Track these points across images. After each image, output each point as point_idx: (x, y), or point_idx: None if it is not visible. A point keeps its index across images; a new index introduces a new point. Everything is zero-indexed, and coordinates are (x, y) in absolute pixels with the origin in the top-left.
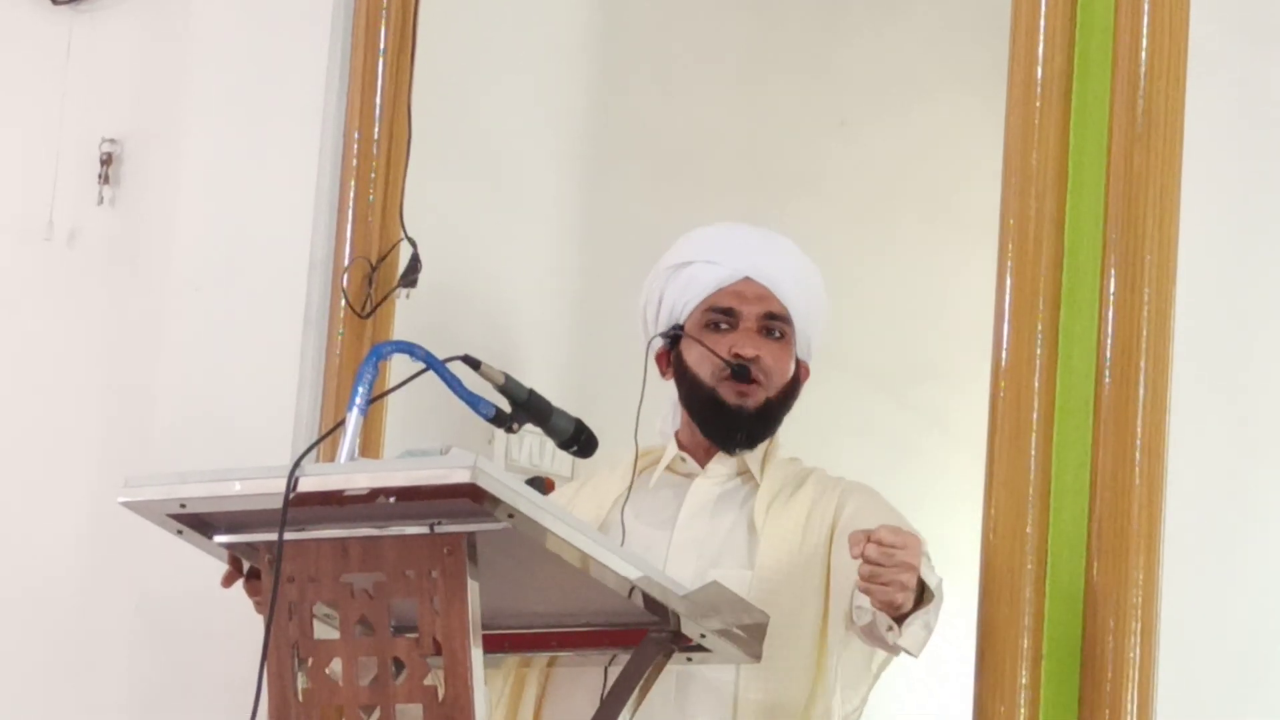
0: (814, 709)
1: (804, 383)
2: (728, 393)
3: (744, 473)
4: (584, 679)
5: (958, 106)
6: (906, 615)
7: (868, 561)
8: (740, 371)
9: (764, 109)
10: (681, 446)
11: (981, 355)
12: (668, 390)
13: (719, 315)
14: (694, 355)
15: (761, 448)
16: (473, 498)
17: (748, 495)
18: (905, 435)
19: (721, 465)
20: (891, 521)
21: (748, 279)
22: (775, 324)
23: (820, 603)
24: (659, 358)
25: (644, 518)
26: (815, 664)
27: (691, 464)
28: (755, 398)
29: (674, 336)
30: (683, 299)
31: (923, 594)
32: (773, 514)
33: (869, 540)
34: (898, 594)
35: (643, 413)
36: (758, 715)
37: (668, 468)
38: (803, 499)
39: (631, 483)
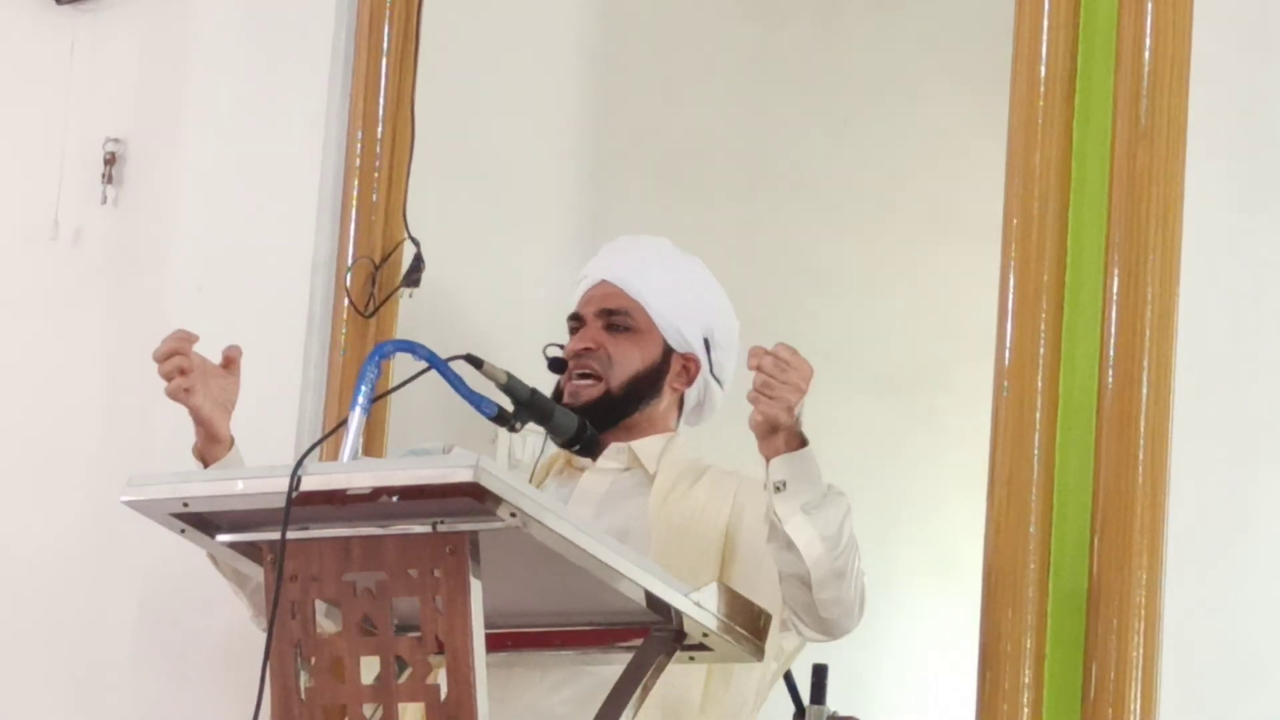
0: (711, 700)
1: (695, 374)
2: (567, 389)
3: (637, 466)
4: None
5: (959, 107)
6: (782, 454)
7: (761, 372)
8: (552, 364)
9: (764, 111)
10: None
11: (983, 356)
12: None
13: (571, 320)
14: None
15: (659, 441)
16: (475, 496)
17: (639, 486)
18: (905, 437)
19: (610, 460)
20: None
21: (603, 282)
22: (617, 318)
23: None
24: None
25: None
26: None
27: (583, 459)
28: (588, 393)
29: (556, 345)
30: (567, 313)
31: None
32: (667, 508)
33: (766, 354)
34: (781, 411)
35: None
36: (654, 706)
37: (566, 463)
38: (698, 493)
39: (530, 477)
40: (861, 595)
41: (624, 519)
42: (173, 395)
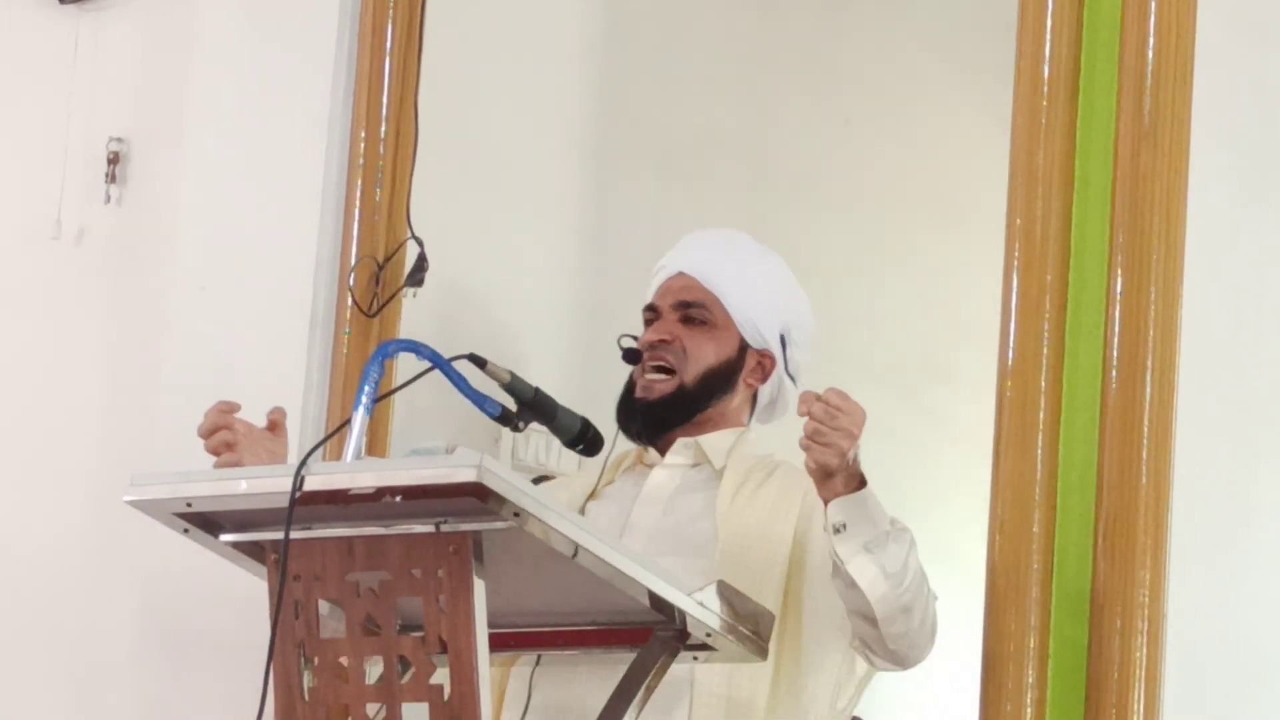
0: (779, 707)
1: (770, 371)
2: (640, 383)
3: (704, 462)
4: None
5: (963, 105)
6: (840, 497)
7: (813, 419)
8: (627, 355)
9: (768, 108)
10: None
11: (987, 354)
12: None
13: (646, 311)
14: None
15: (728, 436)
16: (479, 496)
17: (707, 483)
18: (910, 435)
19: (678, 455)
20: None
21: (680, 274)
22: (694, 311)
23: (778, 599)
24: None
25: (605, 509)
26: (774, 660)
27: (653, 454)
28: (660, 388)
29: (630, 336)
30: (643, 303)
31: (862, 488)
32: (736, 506)
33: (817, 399)
34: (833, 458)
35: None
36: (717, 708)
37: (637, 459)
38: (768, 492)
39: (600, 475)
40: (932, 626)
41: (691, 517)
42: (222, 468)
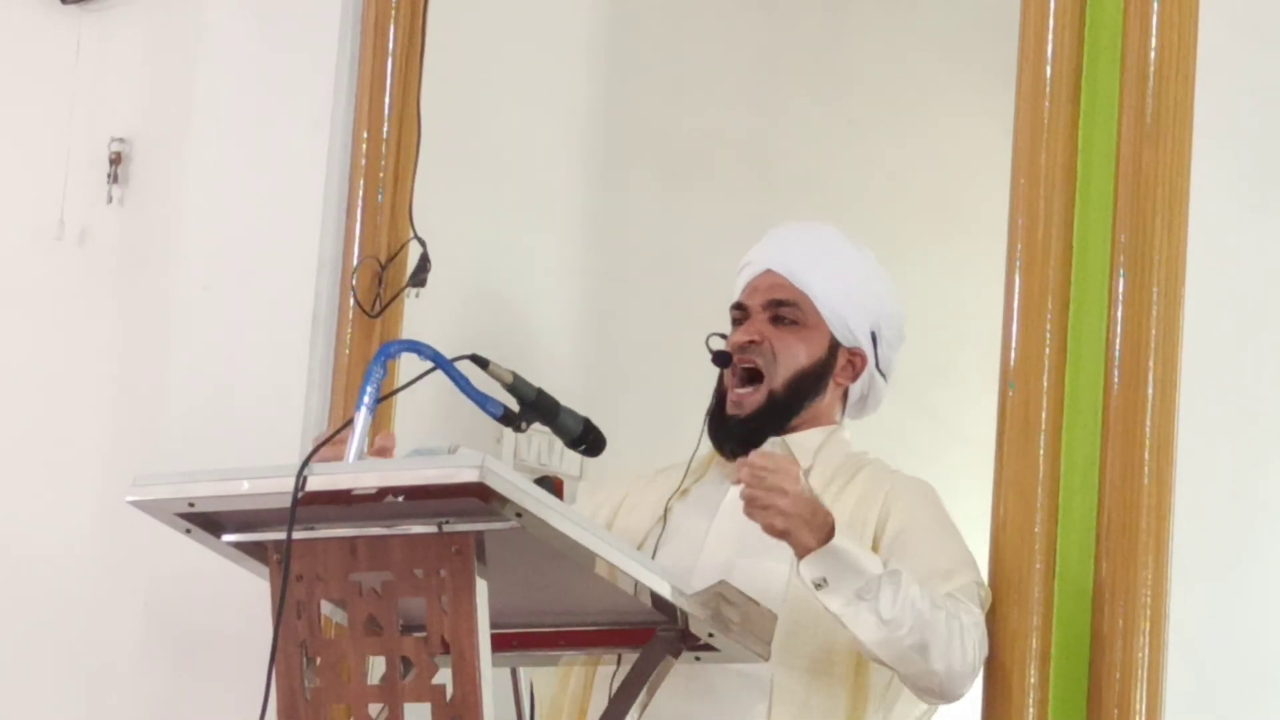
0: (859, 713)
1: (861, 369)
2: (730, 398)
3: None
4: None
5: (966, 106)
6: (812, 552)
7: (747, 485)
8: (717, 358)
9: (772, 110)
10: None
11: (990, 356)
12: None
13: (734, 310)
14: None
15: (818, 435)
16: (481, 497)
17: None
18: (914, 436)
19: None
20: (936, 532)
21: (768, 271)
22: (784, 310)
23: None
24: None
25: (691, 509)
26: (854, 666)
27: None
28: (751, 401)
29: (719, 336)
30: (731, 302)
31: (830, 539)
32: None
33: (742, 466)
34: (776, 519)
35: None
36: (795, 713)
37: (719, 460)
38: (853, 492)
39: (685, 473)
40: (969, 661)
41: None
42: None
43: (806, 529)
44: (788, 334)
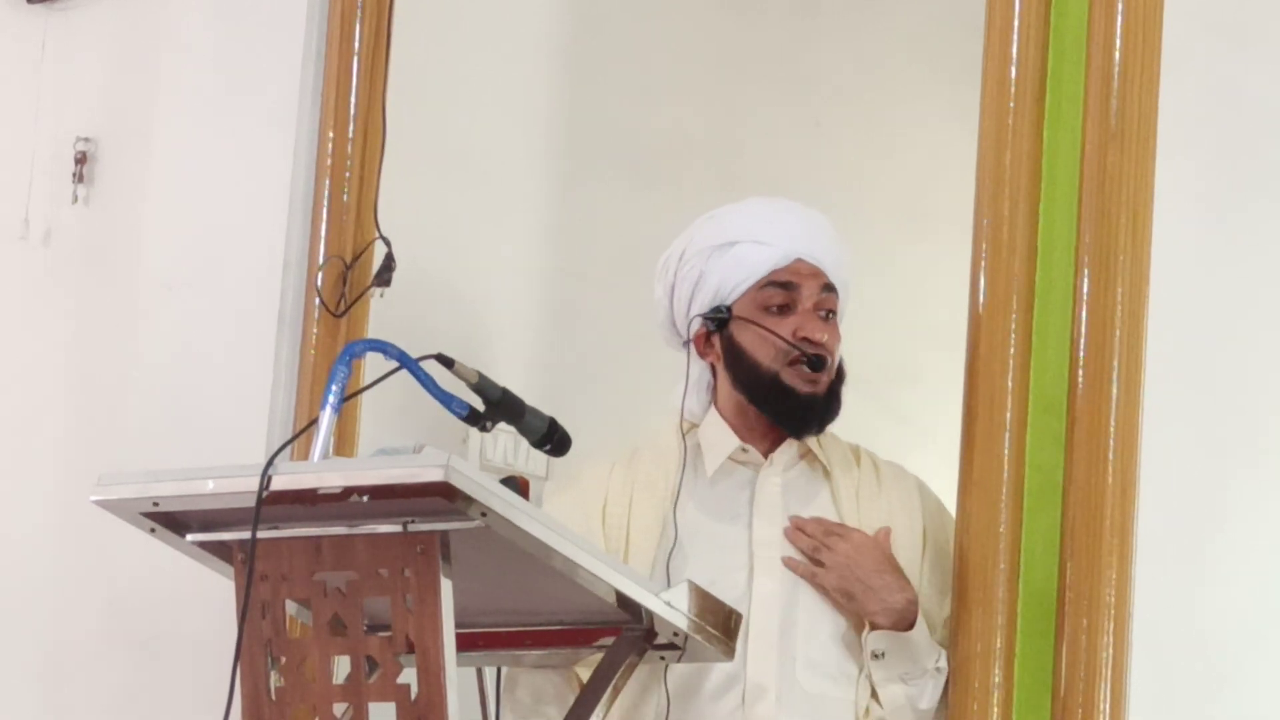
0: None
1: None
2: (793, 379)
3: (805, 455)
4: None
5: (931, 107)
6: (881, 630)
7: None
8: (816, 362)
9: (738, 110)
10: (736, 434)
11: (956, 356)
12: (671, 372)
13: (777, 297)
14: (749, 338)
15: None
16: (446, 496)
17: (811, 481)
18: (880, 437)
19: (783, 454)
20: (948, 554)
21: (800, 259)
22: (830, 301)
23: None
24: (697, 340)
25: (711, 512)
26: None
27: (754, 454)
28: (823, 383)
29: (720, 319)
30: (731, 280)
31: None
32: (860, 512)
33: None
34: (830, 580)
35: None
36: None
37: (728, 457)
38: (886, 496)
39: (681, 476)
40: None
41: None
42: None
43: (884, 609)
44: (832, 331)
